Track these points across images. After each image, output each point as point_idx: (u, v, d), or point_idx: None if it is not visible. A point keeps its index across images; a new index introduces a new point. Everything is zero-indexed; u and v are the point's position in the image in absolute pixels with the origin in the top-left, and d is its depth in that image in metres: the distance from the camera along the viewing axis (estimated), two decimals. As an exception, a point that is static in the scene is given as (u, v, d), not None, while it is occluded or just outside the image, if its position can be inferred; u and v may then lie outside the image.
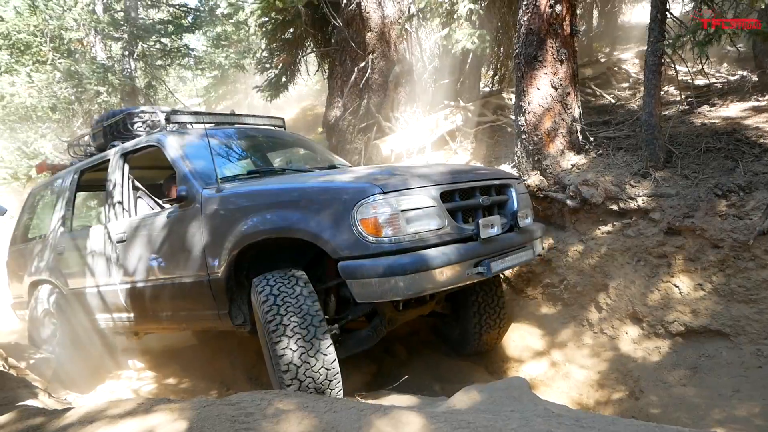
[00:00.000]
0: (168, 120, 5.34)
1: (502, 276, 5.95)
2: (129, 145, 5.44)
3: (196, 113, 5.84)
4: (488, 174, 4.56)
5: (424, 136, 8.47)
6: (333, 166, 5.46)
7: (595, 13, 13.86)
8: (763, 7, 5.75)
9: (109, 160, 5.61)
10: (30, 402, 4.01)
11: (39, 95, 12.86)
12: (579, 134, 6.20)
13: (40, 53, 13.58)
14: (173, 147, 4.89)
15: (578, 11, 12.32)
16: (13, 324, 8.02)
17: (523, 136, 6.26)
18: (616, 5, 13.36)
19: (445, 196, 3.81)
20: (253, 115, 6.30)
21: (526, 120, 6.20)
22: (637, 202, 5.41)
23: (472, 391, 3.24)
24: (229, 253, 4.09)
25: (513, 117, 6.96)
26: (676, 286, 5.00)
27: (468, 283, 3.81)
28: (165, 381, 6.13)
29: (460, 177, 4.08)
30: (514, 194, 4.42)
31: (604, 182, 5.61)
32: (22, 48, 13.31)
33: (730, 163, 5.41)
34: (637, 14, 15.66)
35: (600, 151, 6.16)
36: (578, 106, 6.25)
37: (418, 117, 9.44)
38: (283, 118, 6.55)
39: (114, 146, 5.66)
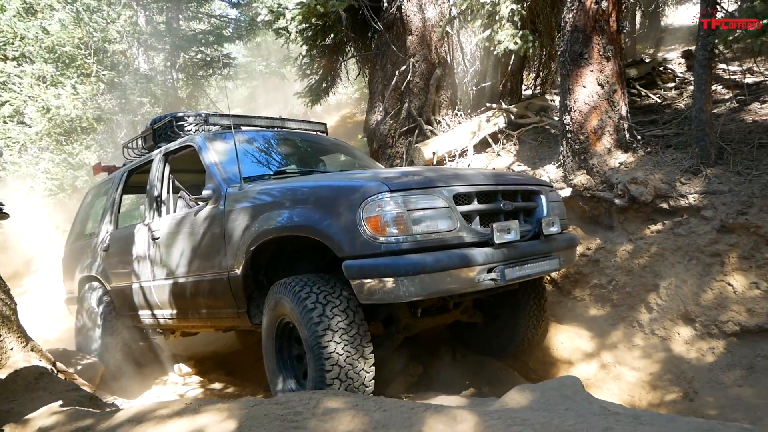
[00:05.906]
0: (206, 121, 5.58)
1: (548, 277, 5.87)
2: (171, 146, 5.61)
3: (235, 116, 5.93)
4: (514, 179, 4.45)
5: (466, 139, 8.39)
6: None
7: (638, 14, 13.61)
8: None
9: (152, 160, 5.79)
10: (78, 406, 4.05)
11: (84, 107, 13.07)
12: (626, 132, 6.06)
13: (85, 66, 13.83)
14: (206, 147, 5.06)
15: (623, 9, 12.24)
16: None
17: (569, 135, 6.15)
18: (659, 6, 13.09)
19: (461, 199, 3.70)
20: (294, 120, 6.37)
21: (571, 119, 6.09)
22: (687, 199, 5.27)
23: (525, 390, 3.16)
24: (246, 250, 4.11)
25: (557, 117, 6.84)
26: (729, 285, 4.85)
27: (481, 289, 3.64)
28: (210, 386, 6.20)
29: (479, 180, 3.95)
30: (543, 201, 4.28)
31: (653, 180, 5.48)
32: (66, 61, 13.56)
33: (786, 159, 5.23)
34: (681, 16, 15.35)
35: (648, 149, 6.01)
36: (625, 104, 6.11)
37: (459, 120, 9.37)
38: (325, 124, 6.60)
39: (160, 148, 5.82)
